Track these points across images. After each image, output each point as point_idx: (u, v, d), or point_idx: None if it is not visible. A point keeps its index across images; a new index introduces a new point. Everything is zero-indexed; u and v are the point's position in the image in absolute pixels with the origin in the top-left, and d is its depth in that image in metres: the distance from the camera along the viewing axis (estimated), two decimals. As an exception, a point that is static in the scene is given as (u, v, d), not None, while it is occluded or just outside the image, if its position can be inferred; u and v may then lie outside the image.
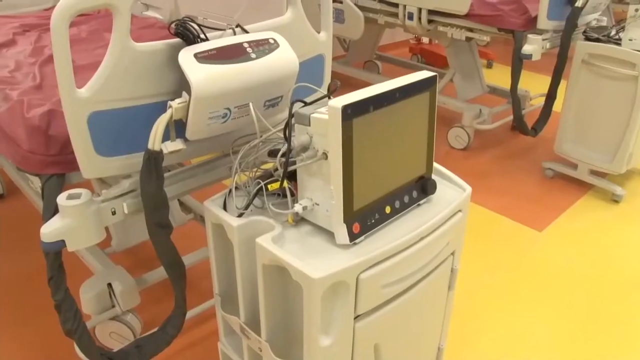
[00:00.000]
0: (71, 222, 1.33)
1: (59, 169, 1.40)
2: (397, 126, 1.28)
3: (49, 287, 1.41)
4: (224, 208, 1.36)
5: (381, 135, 1.24)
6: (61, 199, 1.33)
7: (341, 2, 3.54)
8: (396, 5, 3.36)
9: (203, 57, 1.28)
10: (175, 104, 1.28)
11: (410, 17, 3.28)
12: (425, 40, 4.95)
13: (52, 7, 3.01)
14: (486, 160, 3.40)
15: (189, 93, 1.27)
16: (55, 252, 1.35)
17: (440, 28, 3.27)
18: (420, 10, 3.24)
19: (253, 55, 1.35)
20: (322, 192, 1.24)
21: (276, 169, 1.35)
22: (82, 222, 1.33)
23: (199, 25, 1.34)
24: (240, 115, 1.38)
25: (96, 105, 1.26)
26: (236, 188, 1.40)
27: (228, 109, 1.34)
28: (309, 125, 1.21)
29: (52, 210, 1.37)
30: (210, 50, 1.30)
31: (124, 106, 1.30)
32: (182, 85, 1.32)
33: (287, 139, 1.21)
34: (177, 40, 1.34)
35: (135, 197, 1.42)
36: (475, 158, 3.42)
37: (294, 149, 1.22)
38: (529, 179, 3.18)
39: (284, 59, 1.41)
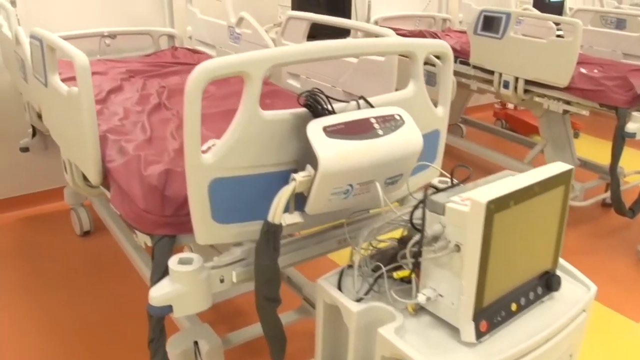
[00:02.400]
0: (181, 288, 1.29)
1: (171, 230, 1.38)
2: (531, 220, 1.20)
3: (149, 349, 1.38)
4: (338, 287, 1.30)
5: (516, 229, 1.16)
6: (173, 264, 1.30)
7: (434, 65, 3.49)
8: (492, 72, 3.30)
9: (332, 132, 1.24)
10: (300, 177, 1.24)
11: (506, 85, 3.21)
12: (510, 105, 4.85)
13: (154, 53, 3.10)
14: (576, 237, 3.24)
15: (315, 167, 1.23)
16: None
17: (536, 99, 3.18)
18: (517, 79, 3.16)
19: (380, 132, 1.30)
20: (449, 284, 1.17)
21: (397, 252, 1.28)
22: (192, 288, 1.30)
23: (326, 96, 1.31)
24: (361, 192, 1.33)
25: (219, 172, 1.24)
26: (349, 266, 1.34)
27: (351, 185, 1.29)
28: (443, 214, 1.14)
29: (161, 271, 1.34)
30: (339, 124, 1.26)
31: (245, 174, 1.28)
32: (304, 156, 1.28)
33: (421, 229, 1.15)
34: (302, 110, 1.31)
35: (245, 265, 1.38)
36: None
37: (424, 237, 1.16)
38: (623, 261, 3.00)
39: (409, 137, 1.36)
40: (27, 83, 2.27)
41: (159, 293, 1.28)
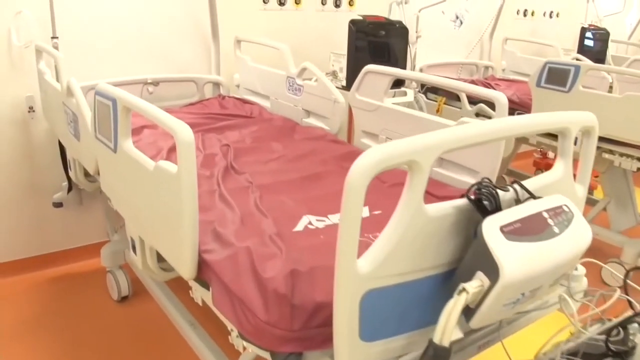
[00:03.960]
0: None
1: (299, 346, 1.13)
2: None
3: None
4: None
5: None
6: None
7: (489, 118, 3.31)
8: (556, 126, 3.10)
9: (509, 232, 1.02)
10: (472, 288, 1.01)
11: (575, 141, 3.00)
12: (551, 155, 4.65)
13: (199, 102, 2.89)
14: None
15: (491, 276, 1.00)
16: None
17: (606, 155, 2.98)
18: (585, 134, 2.96)
19: (556, 229, 1.08)
20: None
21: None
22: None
23: (495, 186, 1.09)
24: (527, 299, 1.11)
25: (374, 282, 1.01)
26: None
27: (523, 293, 1.07)
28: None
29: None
30: (515, 222, 1.04)
31: (399, 282, 1.05)
32: (470, 258, 1.06)
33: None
34: (462, 201, 1.09)
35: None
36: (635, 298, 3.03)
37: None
38: None
39: (582, 232, 1.14)
40: (79, 141, 2.04)
41: None
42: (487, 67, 4.21)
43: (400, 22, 3.08)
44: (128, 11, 2.80)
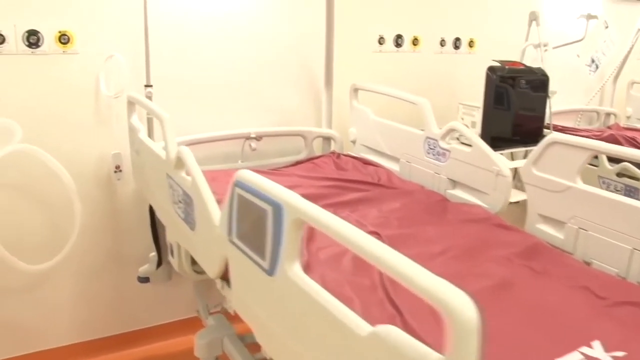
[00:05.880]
0: None
1: None
2: None
3: None
4: None
5: None
6: None
7: (637, 179, 2.80)
8: None
9: None
10: None
11: None
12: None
13: (308, 160, 2.46)
14: None
15: None
16: None
17: None
18: None
19: None
20: None
21: None
22: None
23: None
24: None
25: None
26: None
27: None
28: None
29: None
30: None
31: None
32: None
33: None
34: None
35: None
36: None
37: None
38: None
39: None
40: (193, 230, 1.61)
41: None
42: (608, 114, 3.72)
43: (540, 69, 2.62)
44: (226, 55, 2.40)
